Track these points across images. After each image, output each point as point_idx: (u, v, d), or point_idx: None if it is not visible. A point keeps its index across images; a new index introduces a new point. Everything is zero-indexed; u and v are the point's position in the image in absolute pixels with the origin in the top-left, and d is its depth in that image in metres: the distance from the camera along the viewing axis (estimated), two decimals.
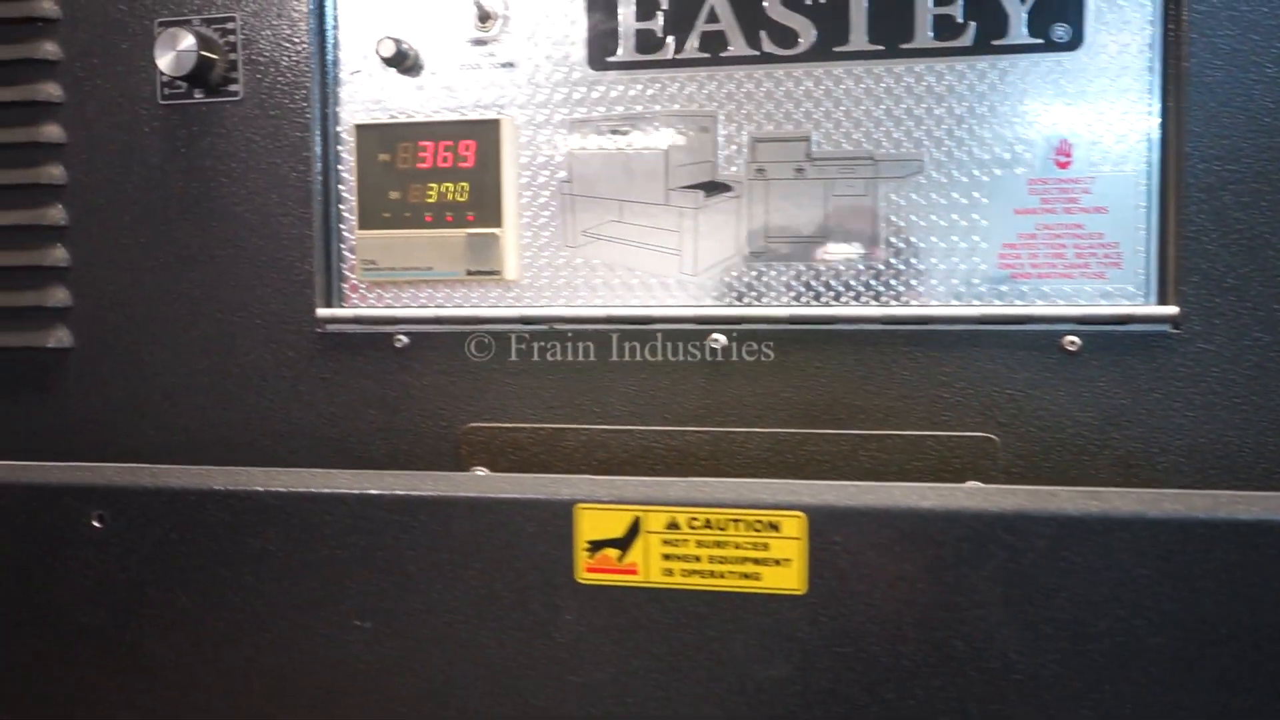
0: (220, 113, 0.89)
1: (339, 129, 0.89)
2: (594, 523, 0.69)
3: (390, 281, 0.88)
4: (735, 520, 0.67)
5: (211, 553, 0.74)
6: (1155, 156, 0.77)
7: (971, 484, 0.76)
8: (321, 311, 0.88)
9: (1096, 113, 0.78)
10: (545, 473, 0.83)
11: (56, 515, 0.76)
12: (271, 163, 0.88)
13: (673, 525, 0.68)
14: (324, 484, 0.73)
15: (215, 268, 0.89)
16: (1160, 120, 0.77)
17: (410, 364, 0.87)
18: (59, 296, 0.92)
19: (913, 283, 0.81)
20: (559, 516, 0.70)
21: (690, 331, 0.83)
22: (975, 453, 0.78)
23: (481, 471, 0.84)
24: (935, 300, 0.80)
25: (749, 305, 0.83)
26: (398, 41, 0.85)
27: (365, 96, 0.88)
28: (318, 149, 0.88)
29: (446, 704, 0.72)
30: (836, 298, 0.82)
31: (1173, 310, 0.76)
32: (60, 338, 0.92)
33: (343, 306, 0.88)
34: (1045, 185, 0.79)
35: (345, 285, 0.89)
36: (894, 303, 0.81)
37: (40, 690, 0.78)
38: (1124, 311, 0.77)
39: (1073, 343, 0.78)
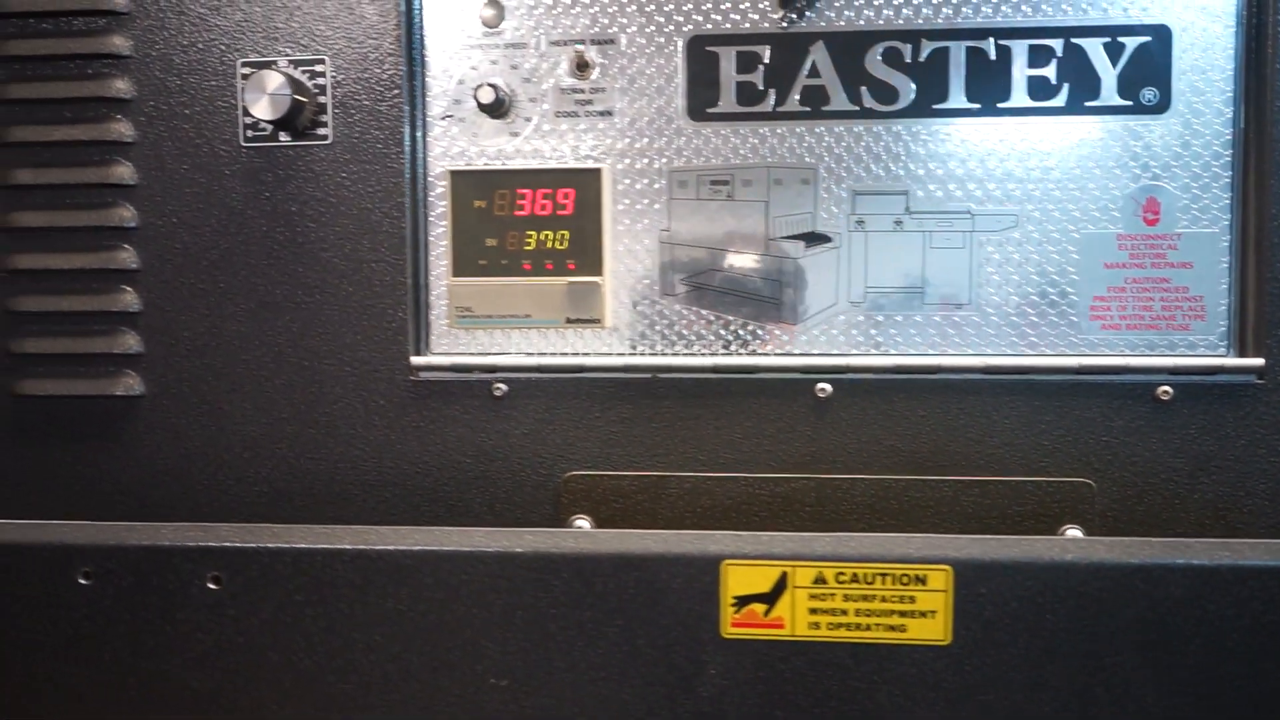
0: (308, 156, 0.87)
1: (430, 174, 0.88)
2: (741, 578, 0.70)
3: (487, 329, 0.87)
4: (882, 574, 0.69)
5: (338, 614, 0.73)
6: (1238, 214, 0.82)
7: (1071, 529, 0.80)
8: (415, 359, 0.87)
9: (1182, 172, 0.82)
10: (648, 520, 0.83)
11: (170, 577, 0.74)
12: (363, 207, 0.87)
13: (820, 580, 0.69)
14: (461, 542, 0.72)
15: (302, 314, 0.87)
16: (1242, 179, 0.81)
17: (508, 412, 0.86)
18: (129, 342, 0.89)
19: (1009, 333, 0.84)
20: (705, 572, 0.70)
21: (794, 380, 0.85)
22: (1073, 497, 0.81)
23: (583, 521, 0.84)
24: (1030, 350, 0.83)
25: (851, 354, 0.85)
26: (496, 88, 0.85)
27: (457, 142, 0.88)
28: (410, 194, 0.86)
29: None
30: (934, 347, 0.84)
31: (1259, 362, 0.80)
32: (130, 385, 0.89)
33: (436, 354, 0.87)
34: (1134, 241, 0.83)
35: (437, 333, 0.88)
36: (992, 353, 0.84)
37: None
38: (1214, 363, 0.81)
39: (1166, 392, 0.82)
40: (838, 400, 0.84)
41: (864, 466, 0.83)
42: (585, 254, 0.86)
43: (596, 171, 0.86)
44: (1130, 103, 0.82)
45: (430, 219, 0.88)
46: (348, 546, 0.73)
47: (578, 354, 0.87)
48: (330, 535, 0.74)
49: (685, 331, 0.86)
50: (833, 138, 0.85)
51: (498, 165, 0.87)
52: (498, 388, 0.86)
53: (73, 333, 0.89)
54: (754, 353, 0.86)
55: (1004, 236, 0.84)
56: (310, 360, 0.87)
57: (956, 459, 0.83)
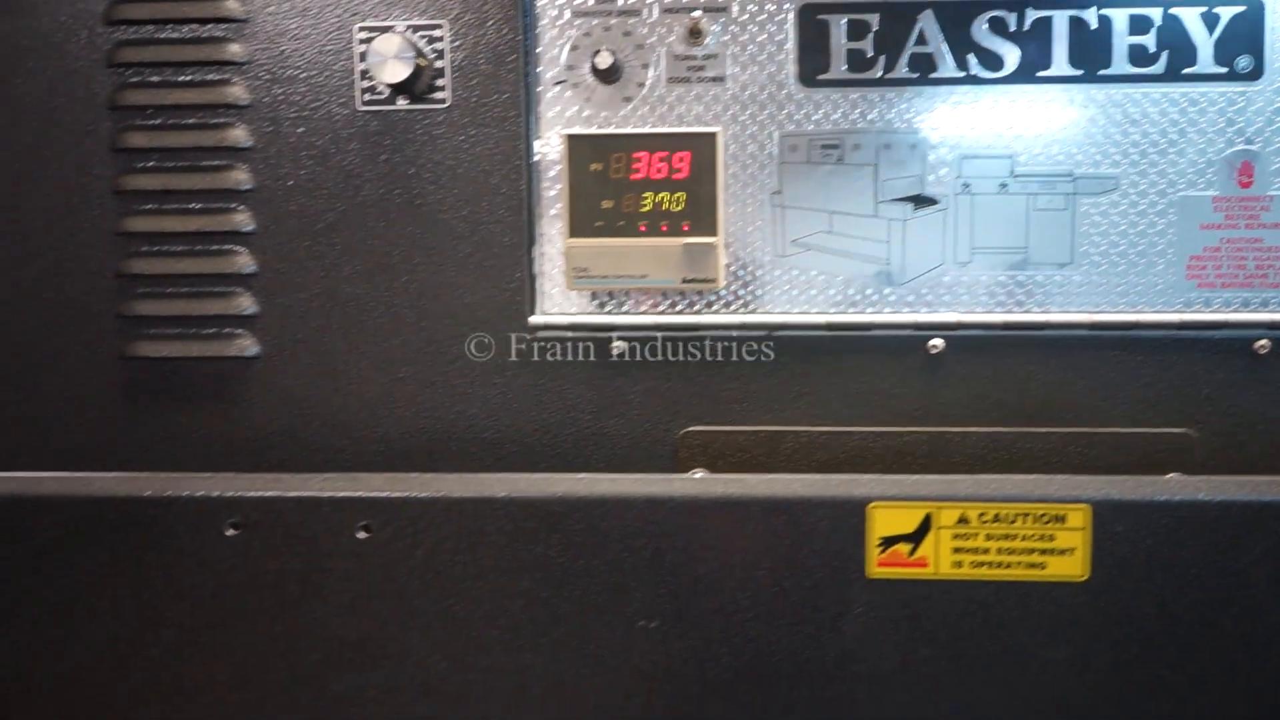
0: (425, 120, 0.88)
1: (545, 138, 0.89)
2: (886, 520, 0.72)
3: (603, 289, 0.89)
4: (1023, 514, 0.72)
5: (488, 561, 0.74)
6: None
7: (1172, 476, 0.83)
8: (533, 319, 0.88)
9: (1276, 137, 0.86)
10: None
11: (319, 527, 0.75)
12: (480, 170, 0.88)
13: (963, 520, 0.72)
14: (610, 489, 0.74)
15: (419, 275, 0.89)
16: None
17: (626, 370, 0.88)
18: (243, 304, 0.89)
19: (1110, 290, 0.87)
20: (851, 514, 0.73)
21: (905, 338, 0.87)
22: (1174, 447, 0.85)
23: (700, 474, 0.86)
24: (1130, 308, 0.87)
25: (959, 312, 0.88)
26: (613, 53, 0.87)
27: (572, 106, 0.89)
28: (527, 158, 0.88)
29: (735, 699, 0.74)
30: (1039, 305, 0.88)
31: None
32: (245, 347, 0.89)
33: (553, 314, 0.89)
34: (1228, 203, 0.87)
35: (554, 293, 0.90)
36: (1094, 310, 0.87)
37: (299, 701, 0.76)
38: None
39: (1263, 346, 0.86)
40: (948, 356, 0.87)
41: (974, 420, 0.86)
42: (700, 215, 0.88)
43: (712, 135, 0.88)
44: (1225, 70, 0.86)
45: (545, 182, 0.89)
46: (499, 494, 0.74)
47: (694, 313, 0.89)
48: (481, 483, 0.75)
49: (798, 291, 0.89)
50: (940, 103, 0.88)
51: (614, 130, 0.89)
52: (615, 346, 0.88)
53: (187, 295, 0.90)
54: (865, 311, 0.88)
55: (1104, 199, 0.87)
56: (428, 321, 0.89)
57: (1062, 411, 0.86)
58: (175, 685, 0.77)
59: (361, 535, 0.75)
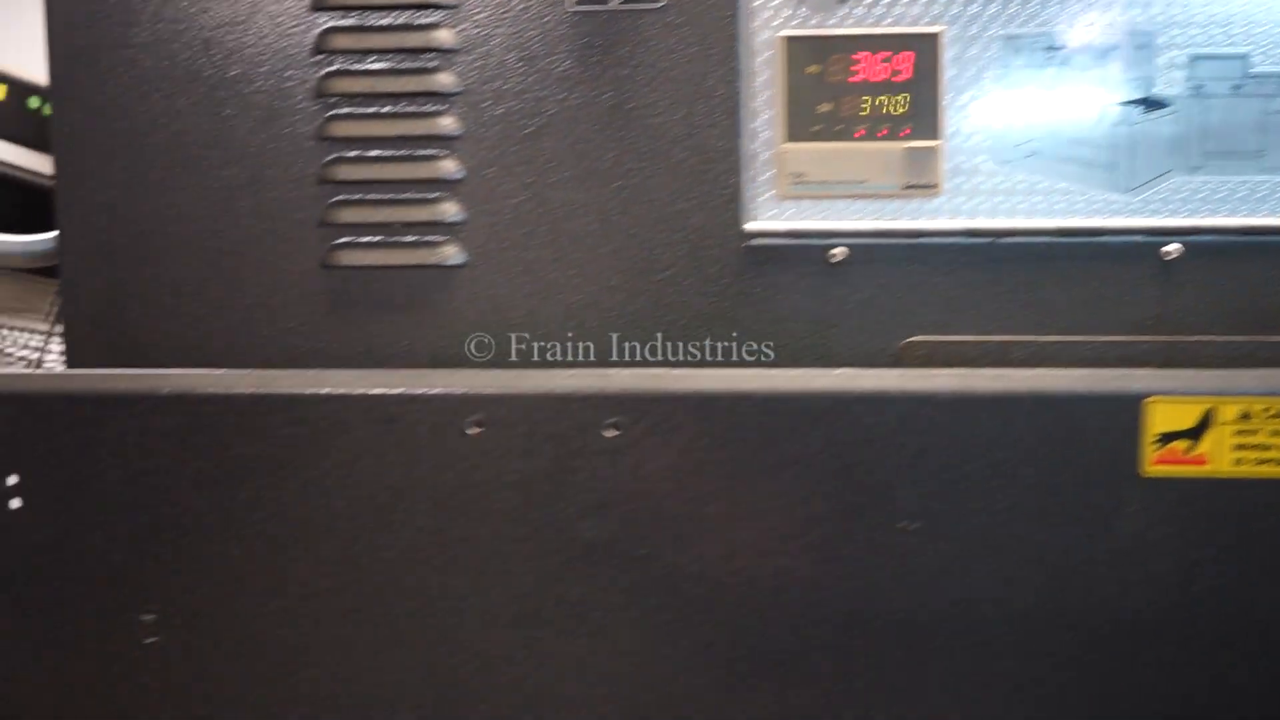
0: (638, 21, 0.86)
1: (762, 39, 0.87)
2: (1165, 415, 0.70)
3: (821, 196, 0.86)
4: None
5: (743, 460, 0.72)
6: None
7: None
8: (749, 225, 0.86)
9: None
10: None
11: (565, 424, 0.72)
12: (695, 73, 0.85)
13: (1245, 415, 0.70)
14: (874, 383, 0.71)
15: (631, 180, 0.86)
16: None
17: (845, 278, 0.86)
18: (449, 210, 0.87)
19: None
20: (1126, 410, 0.70)
21: (1137, 243, 0.85)
22: None
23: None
24: None
25: (1194, 217, 0.85)
26: None
27: (788, 6, 0.86)
28: (743, 59, 0.85)
29: (1002, 602, 0.72)
30: (1276, 209, 0.85)
31: None
32: (449, 254, 0.87)
33: (769, 220, 0.87)
34: None
35: (769, 199, 0.87)
36: None
37: (545, 604, 0.74)
38: None
39: None
40: (1183, 262, 0.84)
41: (1210, 328, 0.84)
42: (922, 119, 0.85)
43: (934, 36, 0.85)
44: None
45: (760, 85, 0.87)
46: (757, 388, 0.72)
47: (915, 219, 0.86)
48: (736, 378, 0.73)
49: (1022, 197, 0.86)
50: (1172, 2, 0.85)
51: (832, 30, 0.86)
52: (834, 254, 0.86)
53: (391, 202, 0.87)
54: (1095, 216, 0.85)
55: None
56: (639, 228, 0.86)
57: None
58: (418, 589, 0.75)
59: (609, 433, 0.73)
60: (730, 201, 0.86)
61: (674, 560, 0.73)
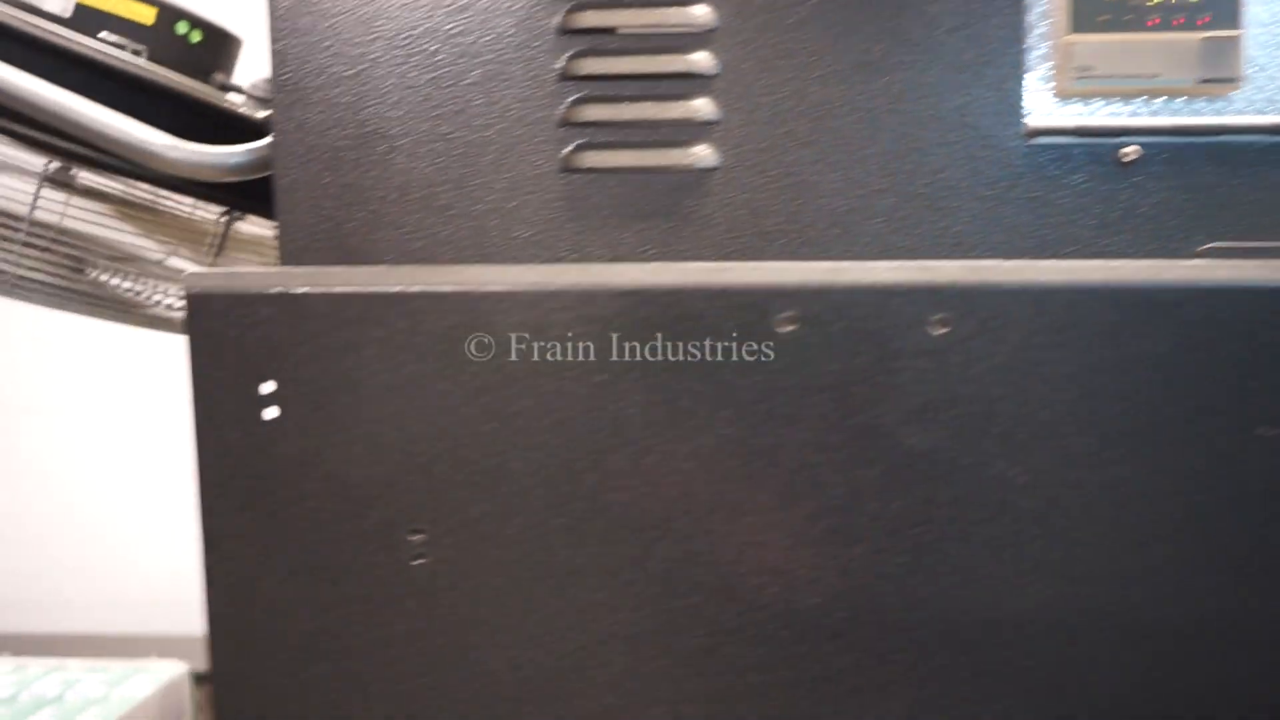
0: None
1: None
2: None
3: (1110, 92, 0.80)
4: None
5: (1086, 357, 0.65)
6: None
7: None
8: (1032, 122, 0.79)
9: None
10: None
11: (888, 321, 0.66)
12: None
13: None
14: (1231, 274, 0.65)
15: (902, 75, 0.80)
16: None
17: (1136, 180, 0.79)
18: (702, 108, 0.80)
19: None
20: None
21: None
22: None
23: None
24: None
25: None
26: None
27: None
28: None
29: None
30: None
31: None
32: (702, 156, 0.80)
33: (1054, 117, 0.80)
34: None
35: (1053, 95, 0.80)
36: None
37: (860, 516, 0.67)
38: None
39: None
40: None
41: None
42: (1221, 6, 0.79)
43: None
44: None
45: None
46: (1098, 281, 0.65)
47: (1215, 115, 0.79)
48: (1074, 270, 0.66)
49: None
50: None
51: None
52: (1125, 153, 0.79)
53: (638, 97, 0.81)
54: None
55: None
56: (910, 127, 0.80)
57: None
58: (715, 504, 0.68)
59: (936, 331, 0.66)
60: (1010, 97, 0.79)
61: (1005, 471, 0.66)
